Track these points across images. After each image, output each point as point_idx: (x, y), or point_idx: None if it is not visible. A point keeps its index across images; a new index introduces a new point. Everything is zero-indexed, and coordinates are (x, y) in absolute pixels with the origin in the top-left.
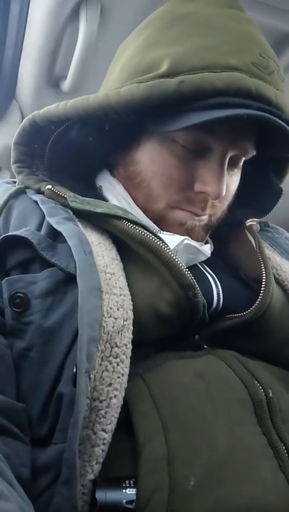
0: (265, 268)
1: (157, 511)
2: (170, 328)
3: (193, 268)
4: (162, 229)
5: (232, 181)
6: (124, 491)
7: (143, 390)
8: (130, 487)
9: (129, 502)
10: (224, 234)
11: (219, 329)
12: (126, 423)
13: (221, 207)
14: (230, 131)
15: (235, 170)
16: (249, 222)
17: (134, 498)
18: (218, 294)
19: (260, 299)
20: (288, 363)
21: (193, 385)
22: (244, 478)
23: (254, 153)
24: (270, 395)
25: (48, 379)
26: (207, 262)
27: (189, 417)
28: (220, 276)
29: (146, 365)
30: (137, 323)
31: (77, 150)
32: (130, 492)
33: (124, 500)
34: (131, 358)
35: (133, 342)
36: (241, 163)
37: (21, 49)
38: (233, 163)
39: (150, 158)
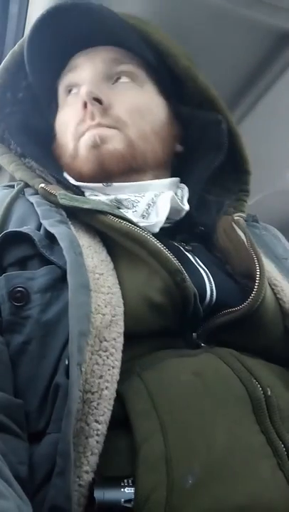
0: (258, 261)
1: (155, 510)
2: (164, 318)
3: (185, 262)
4: (98, 175)
5: (124, 92)
6: (122, 489)
7: (140, 388)
8: (128, 486)
9: (128, 501)
10: (210, 223)
11: (216, 326)
12: (123, 422)
13: (120, 118)
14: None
15: (122, 81)
16: (236, 216)
17: (133, 497)
18: (212, 289)
19: (255, 292)
20: (284, 359)
21: (191, 383)
22: (243, 476)
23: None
24: (269, 393)
25: (46, 372)
26: (197, 252)
27: (187, 416)
28: (212, 270)
29: (143, 363)
30: (130, 315)
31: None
32: (128, 491)
33: (123, 499)
34: (128, 355)
35: (128, 335)
36: (130, 72)
37: None
38: (112, 77)
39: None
